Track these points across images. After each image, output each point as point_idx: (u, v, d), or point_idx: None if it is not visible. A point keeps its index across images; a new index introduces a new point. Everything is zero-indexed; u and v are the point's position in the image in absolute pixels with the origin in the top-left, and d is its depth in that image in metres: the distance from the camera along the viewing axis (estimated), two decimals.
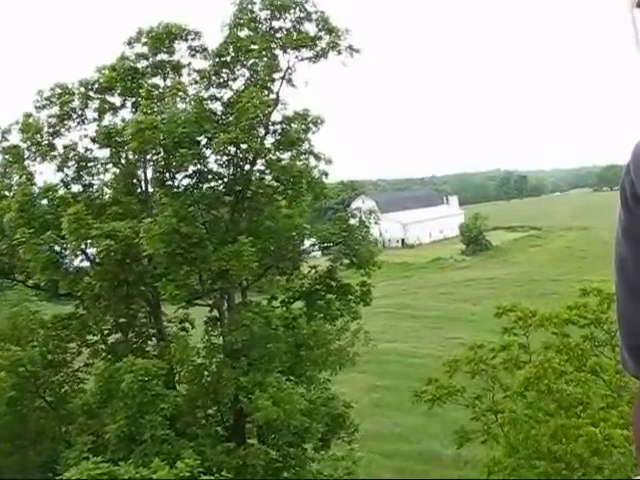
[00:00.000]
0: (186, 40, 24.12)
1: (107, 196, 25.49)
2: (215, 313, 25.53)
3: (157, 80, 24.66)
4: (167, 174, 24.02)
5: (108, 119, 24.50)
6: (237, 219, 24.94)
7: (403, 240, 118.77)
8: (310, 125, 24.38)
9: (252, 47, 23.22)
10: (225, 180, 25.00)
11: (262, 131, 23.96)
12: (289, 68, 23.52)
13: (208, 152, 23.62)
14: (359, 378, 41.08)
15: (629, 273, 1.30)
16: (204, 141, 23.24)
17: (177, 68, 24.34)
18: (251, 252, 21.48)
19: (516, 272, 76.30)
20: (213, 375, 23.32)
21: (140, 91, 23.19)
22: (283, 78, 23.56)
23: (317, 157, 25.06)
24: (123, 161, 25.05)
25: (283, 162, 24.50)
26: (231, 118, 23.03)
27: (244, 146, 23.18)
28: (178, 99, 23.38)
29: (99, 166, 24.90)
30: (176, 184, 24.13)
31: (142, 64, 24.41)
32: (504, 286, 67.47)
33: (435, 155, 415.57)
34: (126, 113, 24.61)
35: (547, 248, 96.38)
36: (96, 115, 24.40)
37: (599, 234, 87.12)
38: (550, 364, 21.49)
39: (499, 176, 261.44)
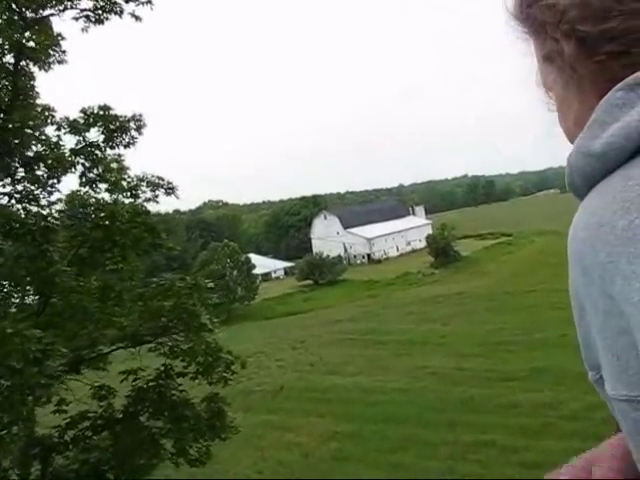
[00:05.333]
0: None
1: None
2: None
3: None
4: None
5: None
6: None
7: (369, 255, 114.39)
8: (115, 132, 15.82)
9: None
10: None
11: None
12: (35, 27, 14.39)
13: None
14: (317, 423, 36.21)
15: None
16: None
17: None
18: None
19: (488, 284, 71.87)
20: None
21: None
22: (20, 53, 14.41)
23: (120, 188, 16.37)
24: None
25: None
26: None
27: None
28: None
29: None
30: None
31: None
32: (476, 301, 62.99)
33: (402, 164, 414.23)
34: None
35: (519, 255, 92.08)
36: None
37: None
38: None
39: (466, 182, 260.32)
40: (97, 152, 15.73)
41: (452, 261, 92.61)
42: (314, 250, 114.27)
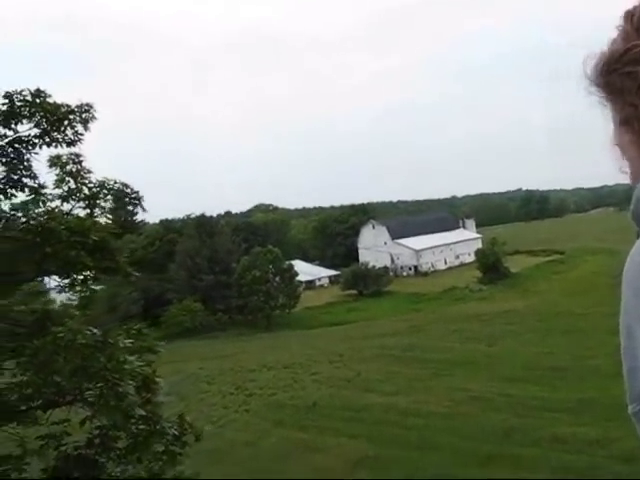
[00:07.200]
0: None
1: None
2: None
3: None
4: None
5: None
6: None
7: (416, 267, 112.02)
8: (54, 125, 12.14)
9: None
10: None
11: None
12: None
13: None
14: (349, 445, 34.26)
15: None
16: None
17: None
18: None
19: (537, 304, 69.15)
20: None
21: None
22: None
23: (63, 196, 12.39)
24: None
25: None
26: None
27: None
28: None
29: None
30: None
31: None
32: (524, 321, 60.49)
33: (456, 175, 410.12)
34: None
35: (572, 275, 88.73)
36: None
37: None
38: None
39: (520, 196, 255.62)
40: (24, 151, 12.10)
41: (501, 277, 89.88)
42: (360, 259, 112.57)
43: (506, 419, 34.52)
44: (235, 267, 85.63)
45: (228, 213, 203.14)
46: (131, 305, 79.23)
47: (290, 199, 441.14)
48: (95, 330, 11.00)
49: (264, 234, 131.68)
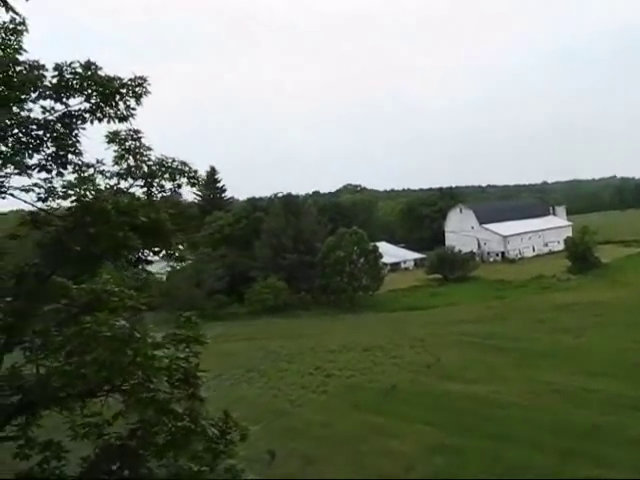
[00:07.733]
0: None
1: None
2: None
3: None
4: None
5: None
6: None
7: (503, 254, 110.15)
8: (108, 99, 11.40)
9: None
10: None
11: None
12: None
13: None
14: (425, 432, 33.86)
15: None
16: None
17: None
18: None
19: (628, 296, 66.77)
20: None
21: None
22: None
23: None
24: None
25: None
26: None
27: None
28: None
29: None
30: None
31: None
32: (613, 313, 58.59)
33: (547, 160, 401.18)
34: None
35: None
36: None
37: None
38: None
39: (614, 183, 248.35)
40: (73, 126, 11.47)
41: (591, 267, 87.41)
42: (447, 243, 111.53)
43: (589, 416, 33.48)
44: (320, 247, 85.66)
45: (316, 193, 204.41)
46: (216, 281, 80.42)
47: (378, 180, 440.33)
48: (123, 322, 10.46)
49: (351, 215, 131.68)
